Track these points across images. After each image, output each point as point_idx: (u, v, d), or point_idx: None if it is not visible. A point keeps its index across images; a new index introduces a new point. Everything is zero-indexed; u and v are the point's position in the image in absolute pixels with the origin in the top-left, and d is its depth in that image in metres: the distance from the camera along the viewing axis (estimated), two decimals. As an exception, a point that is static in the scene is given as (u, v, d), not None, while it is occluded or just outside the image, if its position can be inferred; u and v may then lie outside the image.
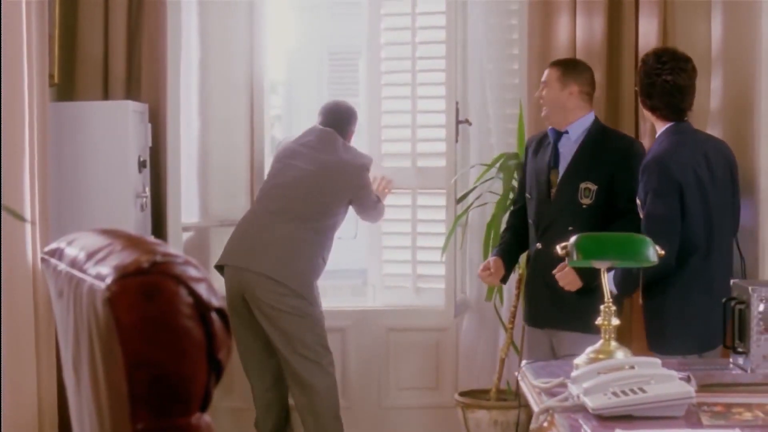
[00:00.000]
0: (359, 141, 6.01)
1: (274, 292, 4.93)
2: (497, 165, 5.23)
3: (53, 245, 1.71)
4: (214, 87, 5.67)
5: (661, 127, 4.15)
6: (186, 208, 5.24)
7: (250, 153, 5.66)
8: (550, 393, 2.75)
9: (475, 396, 5.26)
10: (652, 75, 4.12)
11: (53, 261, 1.66)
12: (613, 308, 2.89)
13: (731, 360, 3.04)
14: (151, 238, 1.51)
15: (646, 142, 4.82)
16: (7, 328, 3.90)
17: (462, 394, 5.29)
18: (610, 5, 5.15)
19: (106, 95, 5.13)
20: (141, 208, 4.86)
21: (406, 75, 5.76)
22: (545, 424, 2.57)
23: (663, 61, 4.13)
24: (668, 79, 4.10)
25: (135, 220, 4.76)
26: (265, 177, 5.35)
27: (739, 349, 2.96)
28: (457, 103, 5.23)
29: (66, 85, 5.08)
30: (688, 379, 2.71)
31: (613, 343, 2.86)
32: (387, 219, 5.83)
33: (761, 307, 2.90)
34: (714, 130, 4.89)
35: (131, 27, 5.18)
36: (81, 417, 1.62)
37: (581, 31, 5.17)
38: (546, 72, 4.62)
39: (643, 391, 2.48)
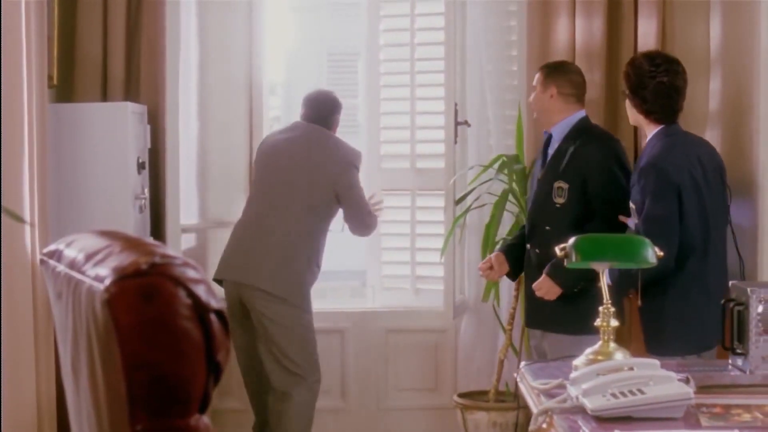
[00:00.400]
0: (359, 142, 6.01)
1: (270, 304, 4.90)
2: (495, 166, 5.24)
3: (52, 247, 1.71)
4: (213, 88, 5.68)
5: (653, 130, 4.15)
6: (185, 210, 5.24)
7: (249, 154, 5.66)
8: (549, 394, 2.75)
9: (473, 397, 5.26)
10: (645, 77, 4.12)
11: (52, 262, 1.66)
12: (612, 310, 2.88)
13: (730, 361, 3.04)
14: (150, 240, 1.51)
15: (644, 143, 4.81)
16: (7, 329, 3.90)
17: (461, 395, 5.29)
18: (609, 6, 5.15)
19: (104, 96, 5.13)
20: (140, 209, 4.86)
21: (405, 76, 5.77)
22: (544, 426, 2.57)
23: (657, 64, 4.14)
24: (664, 81, 4.11)
25: (134, 222, 4.76)
26: (253, 176, 5.26)
27: (738, 351, 2.96)
28: (456, 104, 5.23)
29: (65, 86, 5.08)
30: (687, 381, 2.71)
31: (612, 345, 2.86)
32: (386, 220, 5.83)
33: (760, 309, 2.90)
34: (713, 132, 4.90)
35: (130, 28, 5.17)
36: (80, 418, 1.61)
37: (580, 33, 5.17)
38: (535, 76, 4.65)
39: (642, 392, 2.47)
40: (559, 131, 4.48)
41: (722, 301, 3.05)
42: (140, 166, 4.87)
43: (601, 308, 2.88)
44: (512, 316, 5.11)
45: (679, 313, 4.00)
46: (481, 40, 5.56)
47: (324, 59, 7.84)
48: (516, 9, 5.51)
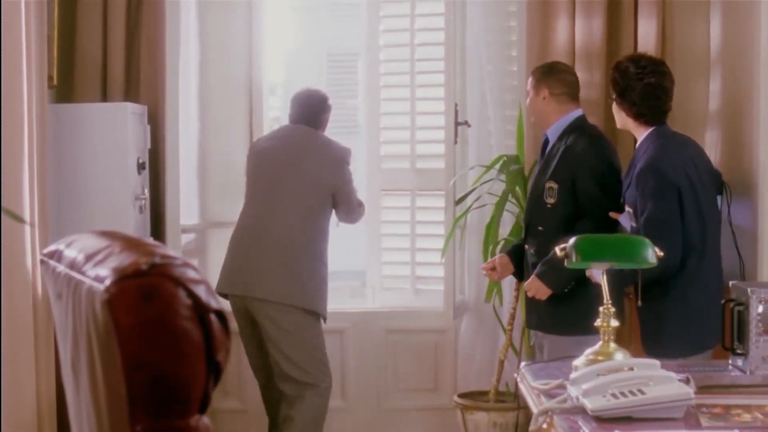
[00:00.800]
0: (359, 142, 6.02)
1: (276, 313, 4.88)
2: (496, 166, 5.24)
3: (52, 247, 1.71)
4: (213, 88, 5.68)
5: (643, 132, 4.14)
6: (185, 210, 5.24)
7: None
8: (549, 394, 2.75)
9: (474, 398, 5.26)
10: (633, 80, 4.11)
11: (52, 263, 1.66)
12: (612, 310, 2.88)
13: (730, 361, 3.04)
14: (150, 240, 1.51)
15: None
16: (7, 330, 3.89)
17: (461, 395, 5.28)
18: (608, 6, 5.15)
19: (104, 97, 5.13)
20: (140, 209, 4.85)
21: (405, 77, 5.76)
22: (544, 426, 2.57)
23: (642, 66, 4.14)
24: (652, 81, 4.11)
25: (134, 222, 4.76)
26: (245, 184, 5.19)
27: (738, 351, 2.96)
28: (456, 104, 5.22)
29: (65, 86, 5.08)
30: (687, 381, 2.71)
31: (612, 345, 2.86)
32: (386, 220, 5.84)
33: (760, 309, 2.90)
34: (713, 132, 4.90)
35: (130, 29, 5.17)
36: (80, 418, 1.61)
37: (580, 33, 5.17)
38: (528, 80, 4.65)
39: (642, 392, 2.47)
40: (554, 132, 4.48)
41: (722, 302, 3.05)
42: (140, 167, 4.87)
43: (601, 309, 2.88)
44: (512, 317, 5.11)
45: (679, 313, 4.00)
46: (481, 40, 5.56)
47: (324, 59, 7.83)
48: (516, 9, 5.51)
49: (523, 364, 3.24)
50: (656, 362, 2.65)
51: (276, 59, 6.60)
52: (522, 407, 4.80)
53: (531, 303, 4.46)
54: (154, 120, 5.07)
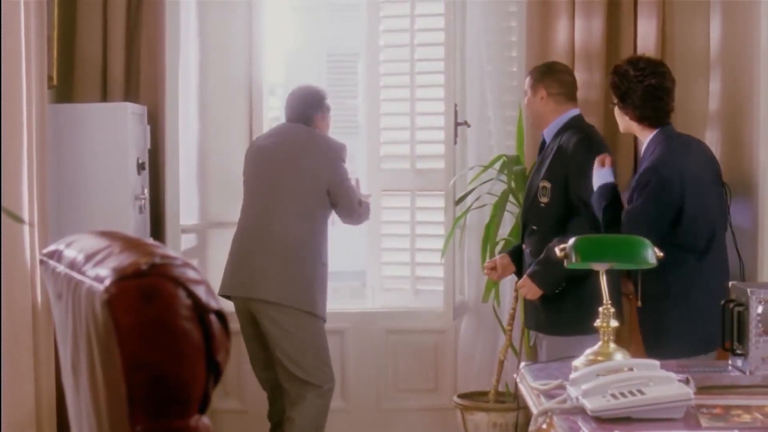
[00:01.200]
0: (359, 142, 6.01)
1: (278, 314, 4.88)
2: (496, 166, 5.23)
3: (52, 247, 1.71)
4: (213, 89, 5.67)
5: (648, 134, 4.12)
6: (185, 210, 5.24)
7: (249, 153, 5.65)
8: (549, 395, 2.75)
9: (473, 398, 5.26)
10: (634, 82, 4.09)
11: (52, 263, 1.66)
12: (612, 310, 2.88)
13: (730, 362, 3.04)
14: (150, 240, 1.51)
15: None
16: (6, 330, 3.89)
17: (461, 396, 5.28)
18: (608, 7, 5.15)
19: (104, 97, 5.13)
20: (139, 209, 4.85)
21: (404, 77, 5.76)
22: (544, 426, 2.57)
23: (641, 68, 4.12)
24: (653, 83, 4.09)
25: (134, 222, 4.76)
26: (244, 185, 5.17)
27: (738, 352, 2.96)
28: (455, 105, 5.22)
29: (64, 87, 5.08)
30: (686, 381, 2.71)
31: (612, 345, 2.86)
32: (386, 221, 5.83)
33: (760, 309, 2.90)
34: (713, 132, 4.90)
35: (130, 29, 5.17)
36: (80, 419, 1.61)
37: (580, 33, 5.17)
38: (525, 81, 4.65)
39: (642, 393, 2.47)
40: (549, 131, 4.48)
41: (722, 302, 3.05)
42: (140, 167, 4.87)
43: (600, 309, 2.88)
44: (512, 317, 5.10)
45: (680, 314, 4.00)
46: (481, 40, 5.56)
47: (324, 60, 7.83)
48: (516, 9, 5.51)
49: (522, 364, 3.24)
50: (656, 363, 2.65)
51: (276, 59, 6.60)
52: (522, 408, 4.79)
53: (528, 303, 4.47)
54: (154, 120, 5.07)
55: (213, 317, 1.35)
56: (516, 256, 4.63)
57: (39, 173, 4.15)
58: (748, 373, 2.91)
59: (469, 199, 5.39)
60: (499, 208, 5.16)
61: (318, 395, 4.95)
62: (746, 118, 4.51)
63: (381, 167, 5.87)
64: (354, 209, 5.04)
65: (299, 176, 4.93)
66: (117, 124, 4.77)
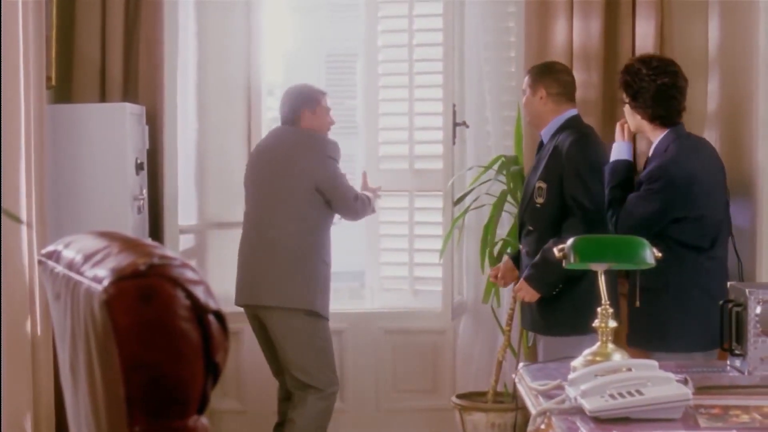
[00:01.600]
0: (358, 143, 6.01)
1: (283, 318, 4.89)
2: (495, 166, 5.23)
3: (50, 247, 1.71)
4: (212, 89, 5.67)
5: (659, 134, 4.11)
6: (183, 211, 5.24)
7: (248, 155, 5.65)
8: (548, 395, 2.75)
9: (472, 398, 5.26)
10: (646, 81, 4.07)
11: (50, 263, 1.66)
12: (610, 311, 2.88)
13: (728, 362, 3.04)
14: (148, 241, 1.51)
15: (642, 144, 4.80)
16: (5, 330, 3.89)
17: (459, 396, 5.28)
18: (606, 7, 5.14)
19: (103, 97, 5.13)
20: (138, 210, 4.85)
21: (403, 77, 5.76)
22: (542, 427, 2.57)
23: (654, 66, 4.11)
24: (666, 81, 4.08)
25: (132, 223, 4.76)
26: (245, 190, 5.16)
27: (736, 352, 2.96)
28: (454, 105, 5.22)
29: (63, 87, 5.08)
30: (685, 382, 2.71)
31: (610, 346, 2.86)
32: (384, 221, 5.83)
33: (758, 310, 2.90)
34: (711, 132, 4.89)
35: (128, 29, 5.17)
36: (78, 419, 1.61)
37: (578, 34, 5.16)
38: (524, 80, 4.64)
39: (641, 393, 2.47)
40: (547, 132, 4.47)
41: (720, 302, 3.05)
42: (138, 167, 4.87)
43: (599, 309, 2.88)
44: (511, 317, 5.10)
45: (678, 309, 4.00)
46: (479, 41, 5.56)
47: (322, 60, 7.84)
48: (514, 10, 5.51)
49: (521, 364, 3.24)
50: (654, 363, 2.65)
51: (275, 60, 6.61)
52: (520, 408, 4.78)
53: (525, 304, 4.47)
54: (153, 120, 5.07)
55: (211, 318, 1.35)
56: (518, 259, 4.64)
57: (37, 173, 4.15)
58: (746, 373, 2.91)
59: (467, 200, 5.39)
60: (497, 208, 5.16)
61: (320, 398, 4.95)
62: (745, 119, 4.51)
63: (380, 167, 5.87)
64: (350, 205, 5.01)
65: (289, 177, 4.91)
66: (115, 124, 4.77)
